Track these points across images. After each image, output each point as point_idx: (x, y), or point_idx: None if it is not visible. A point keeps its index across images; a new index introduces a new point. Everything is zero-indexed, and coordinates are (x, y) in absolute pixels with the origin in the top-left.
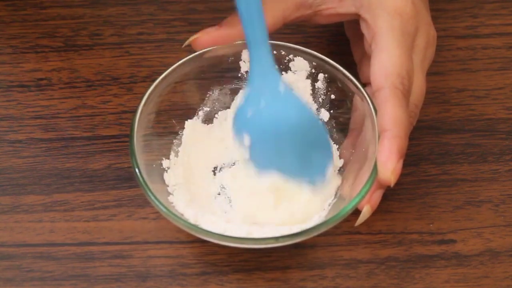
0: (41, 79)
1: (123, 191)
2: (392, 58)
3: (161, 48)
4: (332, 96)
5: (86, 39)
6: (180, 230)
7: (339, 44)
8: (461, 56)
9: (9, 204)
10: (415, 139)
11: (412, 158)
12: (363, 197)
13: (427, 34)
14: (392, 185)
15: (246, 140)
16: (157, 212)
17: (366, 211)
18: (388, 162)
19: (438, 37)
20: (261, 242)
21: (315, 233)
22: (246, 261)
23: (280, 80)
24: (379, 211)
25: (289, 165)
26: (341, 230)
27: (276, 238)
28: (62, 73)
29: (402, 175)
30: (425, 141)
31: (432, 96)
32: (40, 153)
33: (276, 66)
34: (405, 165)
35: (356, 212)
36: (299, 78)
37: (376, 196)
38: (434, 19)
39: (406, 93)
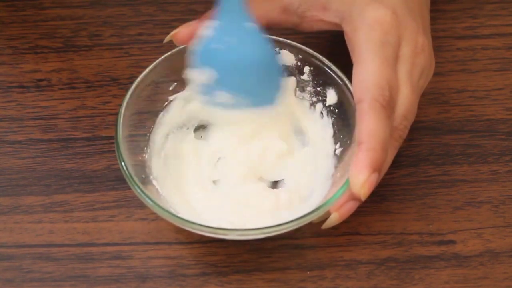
0: (41, 80)
1: (122, 192)
2: (370, 70)
3: (160, 48)
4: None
5: (86, 40)
6: (179, 231)
7: (339, 45)
8: (460, 56)
9: (8, 205)
10: (414, 140)
11: (411, 158)
12: (332, 202)
13: (414, 42)
14: (363, 199)
15: (207, 72)
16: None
17: (333, 218)
18: (359, 175)
19: (438, 37)
20: (247, 233)
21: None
22: (245, 262)
23: (247, 17)
24: (379, 211)
25: (243, 92)
26: (341, 230)
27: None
28: (61, 74)
29: (402, 176)
30: (425, 142)
31: (432, 96)
32: (39, 154)
33: (244, 5)
34: (405, 165)
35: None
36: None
37: (348, 207)
38: (434, 19)
39: (386, 105)
